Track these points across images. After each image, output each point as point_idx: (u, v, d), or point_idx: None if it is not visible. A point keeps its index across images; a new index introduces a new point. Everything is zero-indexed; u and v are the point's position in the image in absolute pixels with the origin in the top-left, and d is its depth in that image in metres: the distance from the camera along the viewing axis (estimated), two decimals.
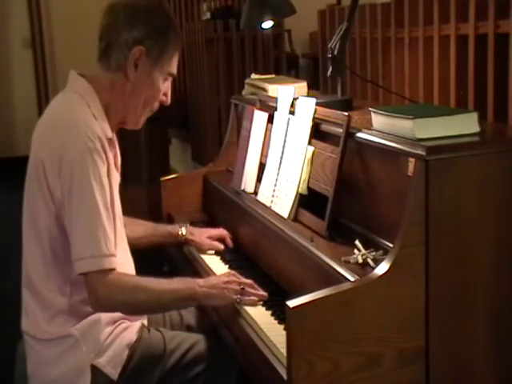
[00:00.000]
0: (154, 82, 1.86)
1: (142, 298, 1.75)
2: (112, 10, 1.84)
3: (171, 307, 1.93)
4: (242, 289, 1.82)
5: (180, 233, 2.29)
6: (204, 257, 2.24)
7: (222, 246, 2.27)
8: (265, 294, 1.84)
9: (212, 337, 1.97)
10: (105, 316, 1.81)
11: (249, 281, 1.86)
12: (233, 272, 1.91)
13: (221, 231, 2.33)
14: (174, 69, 1.91)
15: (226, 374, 2.00)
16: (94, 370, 1.78)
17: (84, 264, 1.69)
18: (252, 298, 1.82)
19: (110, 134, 1.82)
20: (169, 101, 1.93)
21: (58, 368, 1.78)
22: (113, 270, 1.70)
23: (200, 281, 1.83)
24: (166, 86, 1.91)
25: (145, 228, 2.24)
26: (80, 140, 1.70)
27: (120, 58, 1.82)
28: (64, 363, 1.78)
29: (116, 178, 1.88)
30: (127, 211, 2.03)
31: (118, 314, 1.85)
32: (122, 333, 1.84)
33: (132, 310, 1.81)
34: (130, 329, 1.87)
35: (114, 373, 1.80)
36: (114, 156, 1.87)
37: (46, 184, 1.73)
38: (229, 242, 2.30)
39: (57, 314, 1.78)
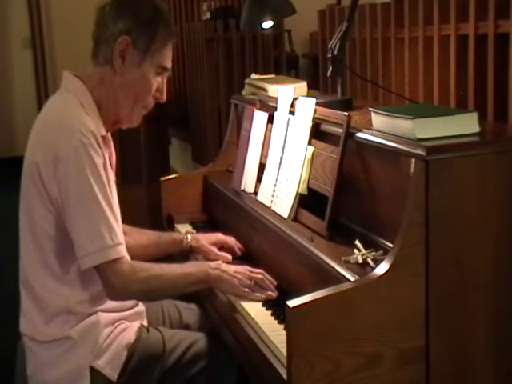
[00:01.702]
0: (144, 76, 1.83)
1: (156, 285, 1.78)
2: (100, 7, 1.84)
3: (184, 290, 1.91)
4: (254, 284, 1.84)
5: (185, 241, 2.20)
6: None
7: (229, 258, 2.15)
8: (274, 294, 1.84)
9: (211, 335, 1.97)
10: (103, 317, 1.82)
11: (259, 275, 1.86)
12: (245, 266, 1.92)
13: (229, 240, 2.21)
14: (166, 62, 1.86)
15: (226, 371, 2.00)
16: (93, 371, 1.78)
17: (90, 259, 1.70)
18: (259, 294, 1.83)
19: (103, 131, 1.81)
20: (164, 98, 1.89)
21: (56, 370, 1.78)
22: (121, 258, 1.72)
23: (212, 264, 1.87)
24: (159, 82, 1.86)
25: (148, 237, 2.18)
26: (74, 136, 1.70)
27: (107, 50, 1.81)
28: (63, 365, 1.78)
29: (112, 177, 1.88)
30: (127, 211, 2.03)
31: (116, 315, 1.85)
32: (120, 334, 1.84)
33: (147, 296, 1.86)
34: (129, 329, 1.87)
35: (113, 374, 1.80)
36: (109, 155, 1.87)
37: (41, 185, 1.73)
38: (237, 251, 2.19)
39: (54, 315, 1.78)
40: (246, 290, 1.83)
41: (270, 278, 1.88)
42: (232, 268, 1.88)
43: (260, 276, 1.87)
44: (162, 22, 1.84)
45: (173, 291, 1.87)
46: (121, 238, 1.74)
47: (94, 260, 1.70)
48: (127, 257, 1.74)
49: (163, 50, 1.84)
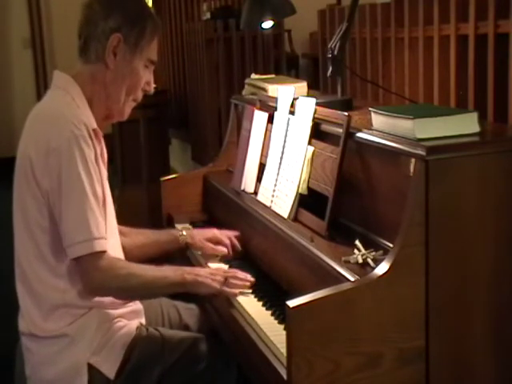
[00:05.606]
0: (135, 70, 1.88)
1: (134, 285, 1.79)
2: (87, 5, 1.90)
3: (161, 293, 1.96)
4: (225, 280, 1.85)
5: (181, 239, 2.20)
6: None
7: (225, 250, 2.17)
8: (249, 280, 1.87)
9: (211, 336, 1.97)
10: (100, 314, 1.82)
11: (232, 273, 1.89)
12: (221, 267, 1.94)
13: (224, 238, 2.19)
14: (154, 55, 1.93)
15: (225, 373, 2.00)
16: (91, 369, 1.79)
17: (76, 249, 1.72)
18: (233, 290, 1.84)
19: (94, 125, 1.83)
20: (152, 89, 1.96)
21: (54, 367, 1.79)
22: (104, 252, 1.74)
23: (187, 268, 1.89)
24: (148, 74, 1.93)
25: (146, 236, 2.19)
26: (66, 128, 1.73)
27: (98, 48, 1.86)
28: (60, 363, 1.79)
29: (104, 173, 1.88)
30: (127, 211, 2.03)
31: (113, 312, 1.86)
32: (118, 331, 1.85)
33: (125, 295, 1.85)
34: (127, 328, 1.87)
35: (111, 372, 1.80)
36: (101, 151, 1.88)
37: (33, 178, 1.75)
38: (230, 250, 2.18)
39: (52, 309, 1.79)
40: (224, 287, 1.84)
41: (244, 274, 1.90)
42: (207, 270, 1.91)
43: (232, 272, 1.90)
44: (149, 16, 1.91)
45: (149, 291, 1.87)
46: (104, 233, 1.76)
47: (80, 250, 1.72)
48: (109, 252, 1.76)
49: (151, 44, 1.91)
